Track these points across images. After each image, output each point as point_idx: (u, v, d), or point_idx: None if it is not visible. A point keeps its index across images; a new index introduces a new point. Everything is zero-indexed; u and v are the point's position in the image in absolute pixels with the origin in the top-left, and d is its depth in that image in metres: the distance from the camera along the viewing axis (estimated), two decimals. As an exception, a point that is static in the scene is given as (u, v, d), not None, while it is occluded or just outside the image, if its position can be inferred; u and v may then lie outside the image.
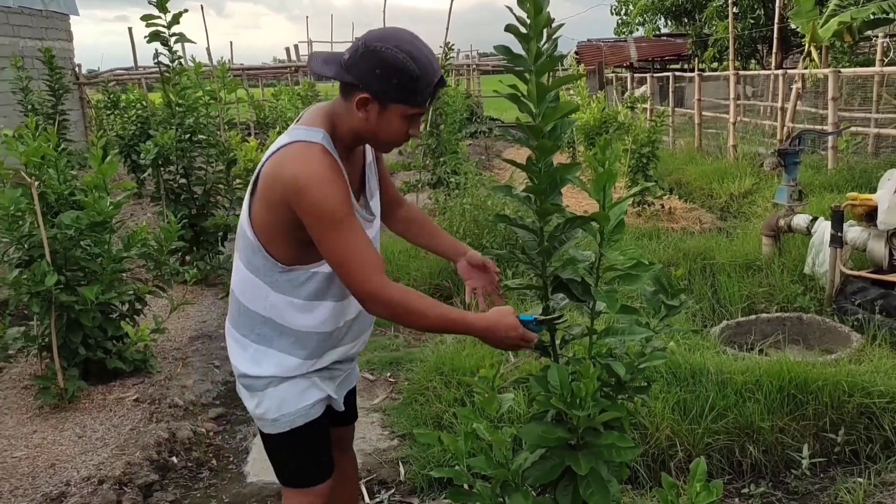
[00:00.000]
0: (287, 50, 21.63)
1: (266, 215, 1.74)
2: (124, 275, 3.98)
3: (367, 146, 1.91)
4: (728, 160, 10.23)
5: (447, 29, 8.21)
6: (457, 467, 1.93)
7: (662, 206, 7.78)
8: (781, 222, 5.35)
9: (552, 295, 2.00)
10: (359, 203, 1.85)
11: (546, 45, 1.85)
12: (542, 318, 1.83)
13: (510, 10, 1.83)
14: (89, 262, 3.64)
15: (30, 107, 8.46)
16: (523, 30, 1.83)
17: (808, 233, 5.13)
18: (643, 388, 2.02)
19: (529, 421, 2.04)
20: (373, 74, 1.64)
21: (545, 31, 1.84)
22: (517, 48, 1.86)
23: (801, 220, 5.22)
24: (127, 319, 3.91)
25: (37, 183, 3.44)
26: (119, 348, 3.86)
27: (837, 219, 4.59)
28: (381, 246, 1.98)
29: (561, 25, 1.87)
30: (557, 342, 2.05)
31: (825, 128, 8.91)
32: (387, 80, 1.65)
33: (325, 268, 1.79)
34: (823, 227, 4.93)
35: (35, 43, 13.79)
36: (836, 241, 4.62)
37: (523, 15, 1.83)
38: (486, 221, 5.39)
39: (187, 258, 5.73)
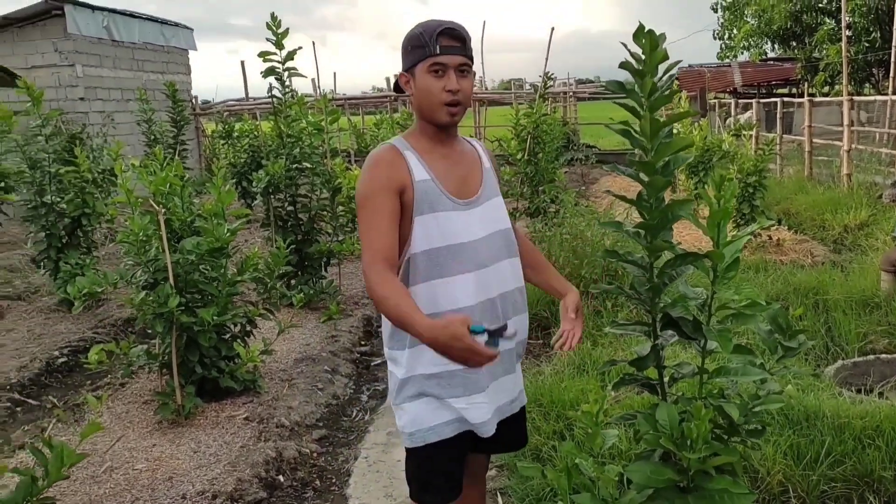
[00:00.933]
0: (387, 79, 22.28)
1: None
2: (236, 297, 4.19)
3: (482, 153, 2.05)
4: (841, 189, 9.73)
5: (546, 59, 8.25)
6: (560, 503, 1.92)
7: (770, 238, 7.48)
8: (903, 257, 5.05)
9: (661, 332, 1.97)
10: (461, 196, 1.91)
11: (661, 81, 1.85)
12: (493, 328, 1.71)
13: (625, 46, 1.84)
14: (207, 285, 3.85)
15: (153, 137, 9.05)
16: (636, 65, 1.84)
17: (933, 269, 4.82)
18: (757, 431, 1.96)
19: (636, 459, 2.02)
20: (402, 58, 1.91)
21: (660, 66, 1.85)
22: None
23: (925, 255, 4.90)
24: (238, 340, 4.10)
25: (163, 210, 3.69)
26: (231, 368, 4.05)
27: (967, 255, 4.29)
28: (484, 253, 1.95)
29: (678, 62, 1.87)
30: (665, 380, 2.02)
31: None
32: (405, 53, 1.89)
33: (411, 250, 1.85)
34: (951, 264, 4.62)
35: (157, 77, 14.79)
36: (966, 278, 4.31)
37: (638, 50, 1.84)
38: (584, 252, 5.35)
39: (292, 282, 5.96)
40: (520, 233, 2.18)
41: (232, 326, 4.09)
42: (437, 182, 1.88)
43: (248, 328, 4.18)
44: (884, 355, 4.35)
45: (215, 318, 3.75)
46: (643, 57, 1.83)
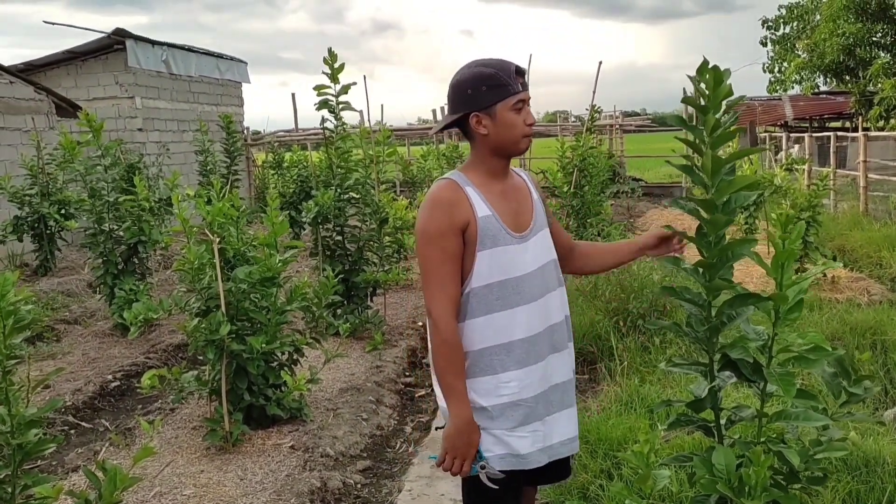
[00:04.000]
0: (433, 111, 22.54)
1: None
2: (284, 326, 4.23)
3: (530, 185, 2.06)
4: (899, 226, 9.45)
5: (594, 92, 8.25)
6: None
7: (825, 275, 7.27)
8: (968, 298, 4.86)
9: (718, 373, 1.93)
10: (516, 229, 1.94)
11: (724, 117, 1.84)
12: (488, 469, 1.89)
13: (690, 78, 1.84)
14: (257, 313, 3.91)
15: (207, 167, 9.30)
16: (701, 101, 1.83)
17: None
18: (818, 479, 1.90)
19: (690, 503, 1.97)
20: (467, 97, 1.91)
21: (724, 102, 1.84)
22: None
23: None
24: (286, 368, 4.14)
25: (218, 240, 3.78)
26: (278, 396, 4.08)
27: None
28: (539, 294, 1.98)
29: (742, 97, 1.85)
30: (722, 422, 1.97)
31: None
32: (478, 93, 1.89)
33: (472, 284, 1.90)
34: None
35: (211, 108, 15.23)
36: None
37: (702, 86, 1.83)
38: (631, 286, 5.28)
39: (338, 311, 6.01)
40: (568, 238, 2.20)
41: (279, 354, 4.13)
42: (497, 217, 1.91)
43: (296, 357, 4.22)
44: (949, 400, 4.17)
45: (264, 346, 3.79)
46: (707, 92, 1.82)
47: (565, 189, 8.14)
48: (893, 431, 3.59)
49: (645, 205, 15.57)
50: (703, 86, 1.81)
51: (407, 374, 5.36)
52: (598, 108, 8.74)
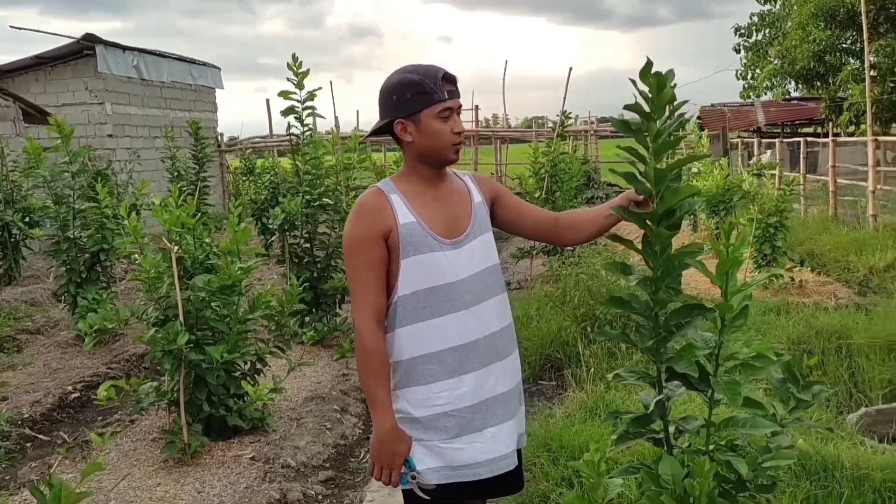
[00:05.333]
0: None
1: None
2: (248, 334, 4.17)
3: (472, 188, 2.02)
4: (867, 231, 9.57)
5: (564, 98, 8.28)
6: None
7: (792, 279, 7.34)
8: (929, 302, 4.91)
9: (667, 383, 1.91)
10: (449, 236, 1.90)
11: (668, 123, 1.81)
12: (419, 480, 1.85)
13: (633, 82, 1.80)
14: (218, 322, 3.84)
15: (176, 173, 9.20)
16: (646, 106, 1.79)
17: (960, 314, 4.68)
18: (767, 486, 1.88)
19: (641, 514, 1.95)
20: (392, 103, 1.89)
21: (668, 107, 1.80)
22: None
23: (951, 300, 4.77)
24: (248, 378, 4.08)
25: (176, 248, 3.71)
26: (239, 406, 4.02)
27: None
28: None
29: (685, 102, 1.83)
30: (671, 430, 1.96)
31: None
32: (402, 100, 1.86)
33: (398, 293, 1.88)
34: (979, 309, 4.49)
35: (184, 114, 15.08)
36: None
37: (646, 89, 1.79)
38: (600, 292, 5.29)
39: (306, 319, 5.95)
40: (548, 214, 2.11)
41: (242, 364, 4.07)
42: (423, 223, 1.88)
43: (259, 366, 4.16)
44: (910, 403, 4.21)
45: (225, 355, 3.73)
46: (650, 96, 1.79)
47: (537, 194, 8.16)
48: (854, 435, 3.61)
49: (620, 210, 15.61)
50: (646, 90, 1.78)
51: (375, 382, 5.30)
52: (570, 114, 8.76)
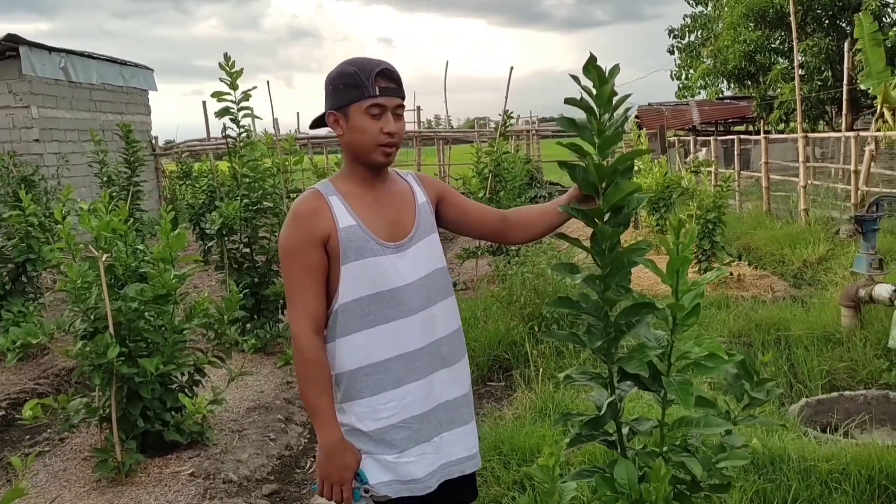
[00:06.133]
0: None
1: None
2: (185, 344, 4.00)
3: (416, 190, 1.93)
4: (800, 225, 9.87)
5: (506, 98, 8.28)
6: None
7: (731, 273, 7.50)
8: (862, 292, 5.06)
9: (619, 384, 1.87)
10: (392, 239, 1.82)
11: (611, 118, 1.77)
12: (372, 493, 1.78)
13: (574, 78, 1.75)
14: (152, 332, 3.67)
15: (106, 179, 8.85)
16: (590, 101, 1.75)
17: (891, 304, 4.82)
18: (722, 486, 1.86)
19: (595, 519, 1.90)
20: (328, 94, 1.82)
21: (611, 102, 1.76)
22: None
23: (883, 290, 4.91)
24: (186, 390, 3.91)
25: (105, 256, 3.52)
26: (177, 420, 3.85)
27: (925, 290, 4.31)
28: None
29: (628, 96, 1.79)
30: (625, 432, 1.91)
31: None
32: (335, 91, 1.79)
33: (339, 300, 1.78)
34: (909, 299, 4.64)
35: (115, 117, 14.57)
36: (925, 313, 4.32)
37: (589, 84, 1.74)
38: (546, 291, 5.27)
39: (247, 326, 5.77)
40: (495, 213, 2.04)
41: (179, 376, 3.90)
42: (364, 227, 1.79)
43: (197, 377, 3.99)
44: (847, 392, 4.31)
45: (160, 367, 3.56)
46: (593, 91, 1.74)
47: (481, 194, 8.13)
48: (798, 426, 3.66)
49: (563, 208, 15.75)
50: (590, 85, 1.73)
51: (320, 389, 5.17)
52: (512, 113, 8.78)
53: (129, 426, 3.63)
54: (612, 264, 1.79)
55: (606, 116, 1.76)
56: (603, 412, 1.78)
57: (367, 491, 1.76)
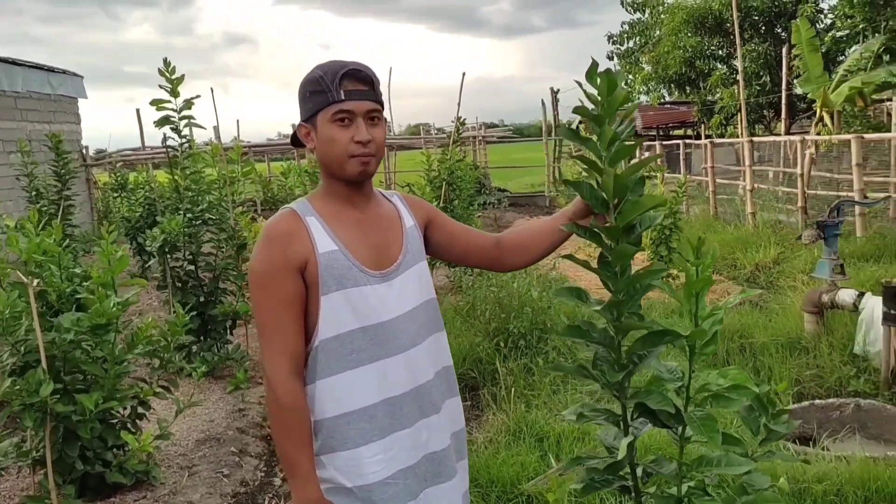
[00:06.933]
0: (293, 126, 21.81)
1: None
2: (127, 375, 3.66)
3: (403, 213, 1.72)
4: (748, 228, 9.98)
5: (458, 104, 8.10)
6: None
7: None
8: (825, 298, 5.04)
9: (632, 420, 1.68)
10: (377, 266, 1.60)
11: (621, 128, 1.59)
12: None
13: (579, 84, 1.58)
14: (90, 365, 3.32)
15: (34, 192, 8.30)
16: (597, 110, 1.57)
17: (855, 309, 4.82)
18: (747, 531, 1.68)
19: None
20: (299, 105, 1.64)
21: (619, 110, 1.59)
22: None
23: (846, 295, 4.91)
24: (129, 426, 3.57)
25: (36, 282, 3.17)
26: (120, 459, 3.51)
27: (890, 295, 4.28)
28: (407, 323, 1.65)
29: (638, 103, 1.61)
30: (639, 474, 1.73)
31: (878, 195, 8.79)
32: (303, 100, 1.62)
33: (319, 336, 1.56)
34: (873, 304, 4.63)
35: (43, 127, 13.84)
36: (890, 318, 4.30)
37: (593, 91, 1.57)
38: (511, 305, 5.08)
39: (194, 349, 5.42)
40: (488, 238, 1.82)
41: (120, 411, 3.56)
42: (347, 252, 1.57)
43: (140, 410, 3.66)
44: (818, 401, 4.27)
45: (99, 403, 3.22)
46: (600, 99, 1.57)
47: (434, 203, 7.93)
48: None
49: (512, 214, 15.73)
50: (594, 92, 1.55)
51: (274, 414, 4.86)
52: (464, 119, 8.61)
53: (67, 469, 3.28)
54: (624, 289, 1.61)
55: (615, 127, 1.58)
56: (621, 456, 1.58)
57: None
